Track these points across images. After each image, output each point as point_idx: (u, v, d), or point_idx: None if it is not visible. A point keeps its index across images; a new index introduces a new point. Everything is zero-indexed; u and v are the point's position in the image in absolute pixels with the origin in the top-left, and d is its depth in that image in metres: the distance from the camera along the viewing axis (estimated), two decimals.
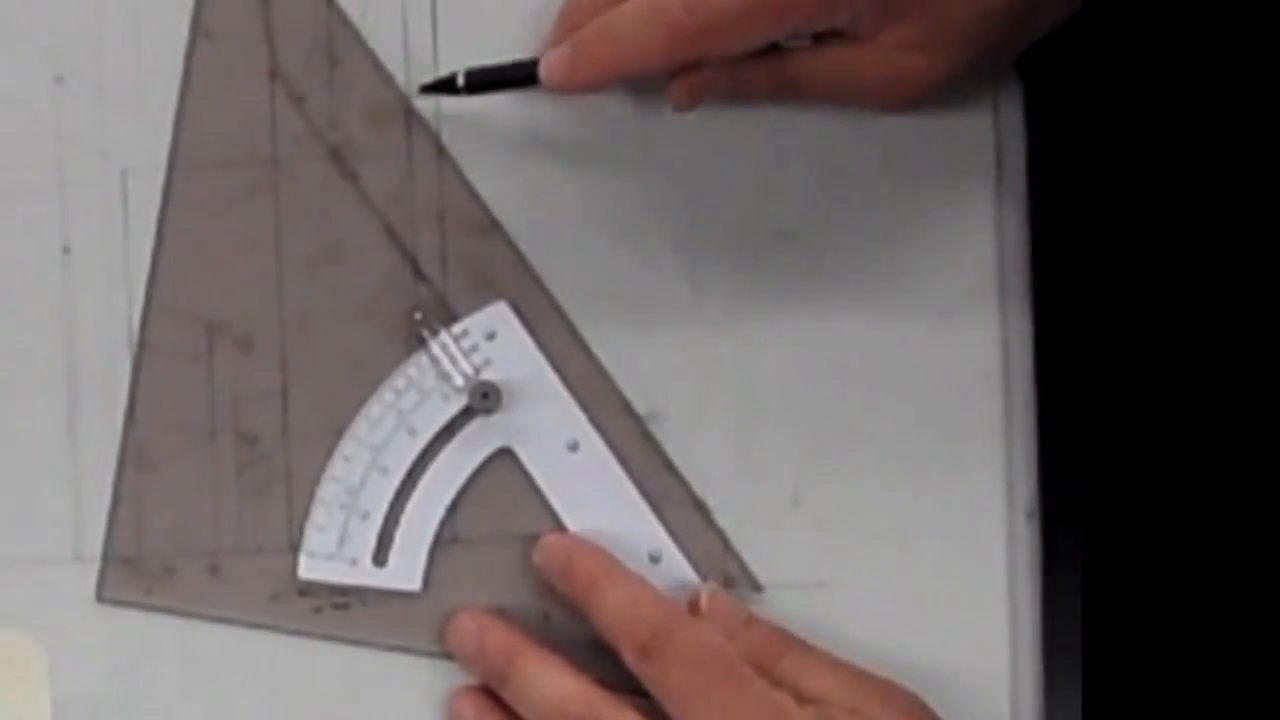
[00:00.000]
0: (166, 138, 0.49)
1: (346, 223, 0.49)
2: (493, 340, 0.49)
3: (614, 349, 0.49)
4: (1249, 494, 0.50)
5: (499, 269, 0.49)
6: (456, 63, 0.49)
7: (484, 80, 0.48)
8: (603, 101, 0.49)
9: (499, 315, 0.49)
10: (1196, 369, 0.50)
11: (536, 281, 0.49)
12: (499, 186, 0.49)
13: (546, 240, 0.49)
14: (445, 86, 0.48)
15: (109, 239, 0.50)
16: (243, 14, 0.49)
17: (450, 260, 0.49)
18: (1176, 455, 0.50)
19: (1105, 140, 0.49)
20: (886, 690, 0.46)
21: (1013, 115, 0.49)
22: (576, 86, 0.45)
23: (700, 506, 0.49)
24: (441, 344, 0.49)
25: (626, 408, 0.49)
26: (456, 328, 0.49)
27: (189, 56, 0.49)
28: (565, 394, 0.49)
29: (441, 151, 0.49)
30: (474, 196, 0.49)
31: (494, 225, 0.49)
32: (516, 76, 0.47)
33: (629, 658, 0.46)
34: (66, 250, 0.50)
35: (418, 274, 0.49)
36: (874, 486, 0.49)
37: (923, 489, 0.49)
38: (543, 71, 0.45)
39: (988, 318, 0.49)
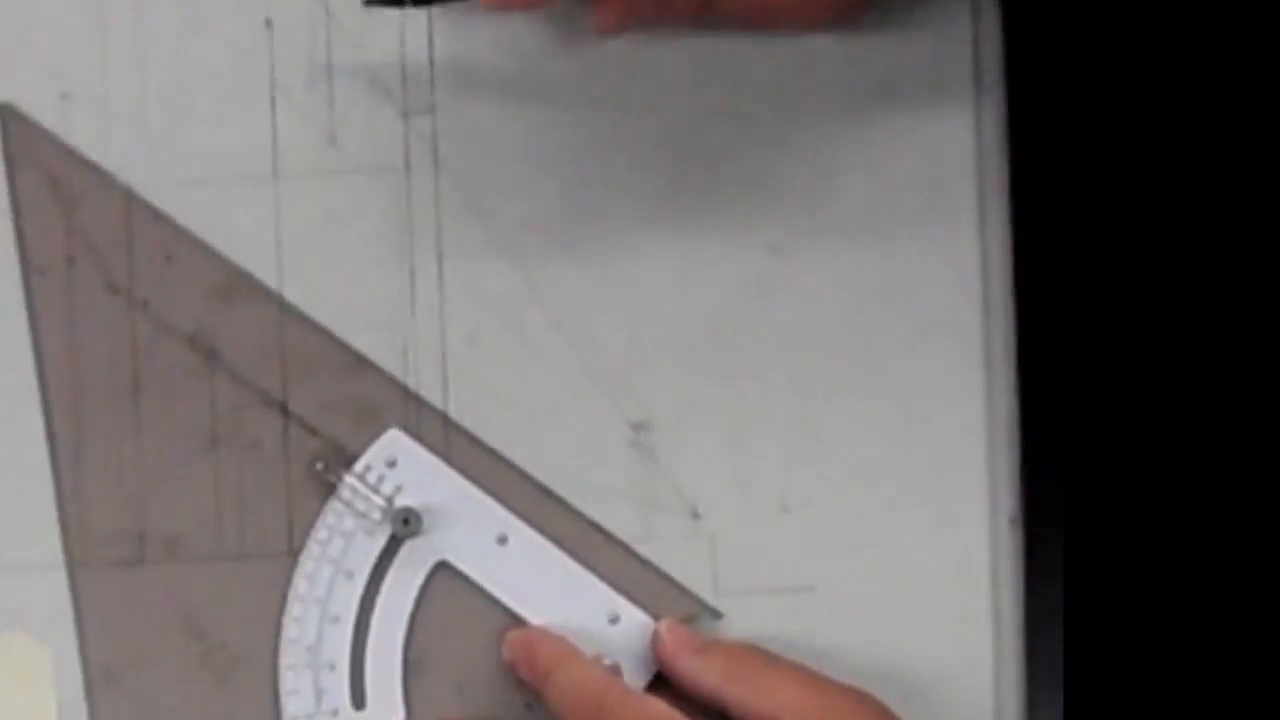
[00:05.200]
0: (169, 152, 0.51)
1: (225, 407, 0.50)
2: (395, 467, 0.50)
3: (605, 359, 0.50)
4: (1232, 498, 0.50)
5: (377, 400, 0.50)
6: (453, 81, 0.50)
7: None
8: (597, 112, 0.50)
9: (393, 442, 0.50)
10: (1180, 374, 0.50)
11: (416, 398, 0.50)
12: (496, 200, 0.50)
13: (541, 250, 0.50)
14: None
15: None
16: (245, 29, 0.51)
17: (331, 406, 0.50)
18: (1159, 460, 0.50)
19: (1088, 151, 0.50)
20: (853, 700, 0.47)
21: (994, 130, 0.50)
22: (509, 6, 0.48)
23: (690, 513, 0.50)
24: (349, 486, 0.50)
25: (541, 487, 0.50)
26: (358, 466, 0.50)
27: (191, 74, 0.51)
28: (478, 492, 0.50)
29: (439, 165, 0.50)
30: (473, 206, 0.50)
31: (361, 361, 0.50)
32: None
33: None
34: (70, 261, 0.51)
35: (307, 429, 0.50)
36: (861, 493, 0.50)
37: (908, 495, 0.50)
38: None
39: (971, 328, 0.50)
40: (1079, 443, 0.49)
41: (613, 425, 0.50)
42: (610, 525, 0.50)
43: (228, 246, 0.50)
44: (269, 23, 0.51)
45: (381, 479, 0.50)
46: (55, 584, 0.50)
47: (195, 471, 0.50)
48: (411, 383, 0.50)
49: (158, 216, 0.50)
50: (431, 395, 0.50)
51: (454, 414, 0.50)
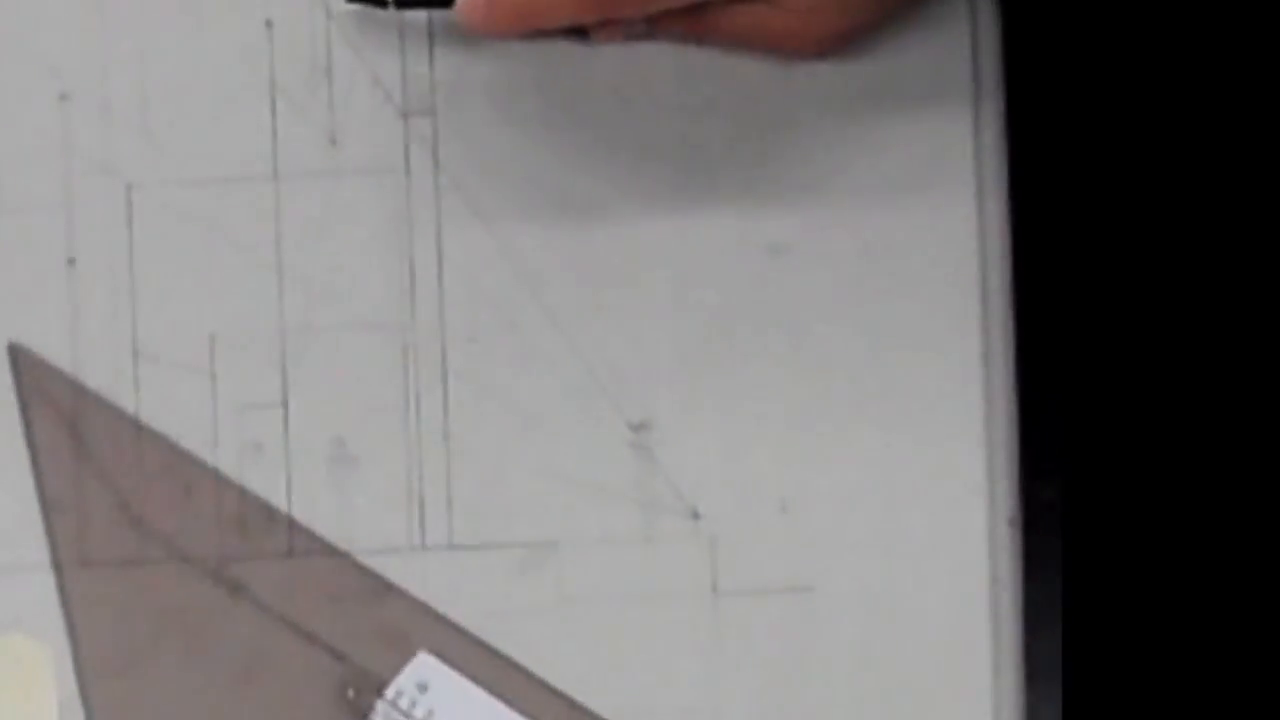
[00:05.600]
0: (169, 153, 0.51)
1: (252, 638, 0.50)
2: (427, 691, 0.50)
3: (605, 359, 0.50)
4: (1231, 498, 0.50)
5: (406, 624, 0.50)
6: (453, 82, 0.50)
7: None
8: (596, 112, 0.50)
9: (425, 666, 0.50)
10: (1179, 374, 0.50)
11: (448, 622, 0.50)
12: (496, 200, 0.50)
13: (541, 250, 0.50)
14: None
15: (113, 252, 0.51)
16: (245, 29, 0.51)
17: (358, 631, 0.50)
18: (1158, 460, 0.50)
19: (1087, 152, 0.50)
20: None
21: (993, 131, 0.50)
22: (490, 34, 0.48)
23: (690, 513, 0.50)
24: (382, 713, 0.50)
25: (573, 703, 0.50)
26: (389, 692, 0.50)
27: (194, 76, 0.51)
28: (511, 714, 0.50)
29: (439, 165, 0.50)
30: (473, 206, 0.50)
31: (387, 588, 0.50)
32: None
33: None
34: (71, 263, 0.51)
35: (335, 655, 0.50)
36: (860, 493, 0.50)
37: (907, 495, 0.50)
38: (458, 12, 0.47)
39: (970, 328, 0.50)
40: (1078, 443, 0.49)
41: (613, 425, 0.50)
42: (610, 526, 0.50)
43: (227, 248, 0.51)
44: (269, 23, 0.51)
45: (414, 704, 0.49)
46: None
47: (226, 706, 0.50)
48: (413, 390, 0.50)
49: (173, 449, 0.50)
50: (433, 396, 0.50)
51: (454, 420, 0.50)
